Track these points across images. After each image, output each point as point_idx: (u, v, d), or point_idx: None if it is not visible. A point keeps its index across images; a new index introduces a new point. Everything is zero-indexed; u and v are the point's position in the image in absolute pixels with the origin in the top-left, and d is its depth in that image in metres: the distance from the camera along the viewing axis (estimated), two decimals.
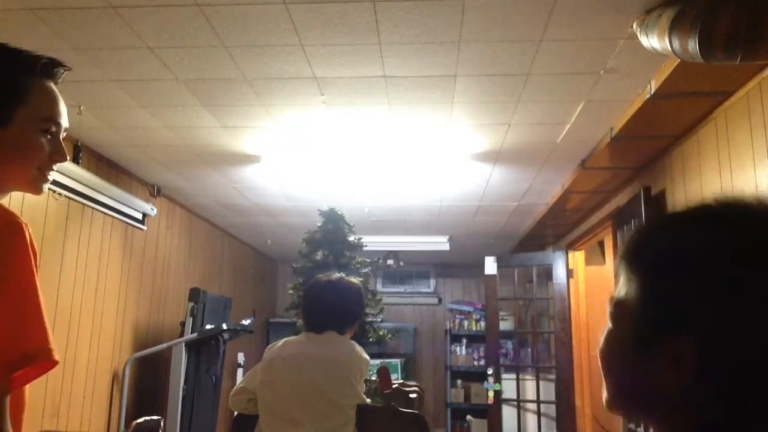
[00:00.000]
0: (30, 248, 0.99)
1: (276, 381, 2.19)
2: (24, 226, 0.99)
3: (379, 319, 4.41)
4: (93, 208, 3.66)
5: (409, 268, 7.53)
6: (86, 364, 3.63)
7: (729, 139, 2.56)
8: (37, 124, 1.08)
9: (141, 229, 4.24)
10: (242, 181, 4.27)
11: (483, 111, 2.99)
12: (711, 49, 1.83)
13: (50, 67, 1.11)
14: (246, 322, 4.64)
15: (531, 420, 5.50)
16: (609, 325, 0.65)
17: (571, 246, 5.38)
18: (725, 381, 0.56)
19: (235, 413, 2.36)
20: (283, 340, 2.34)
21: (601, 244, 5.40)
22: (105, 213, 3.79)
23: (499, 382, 5.45)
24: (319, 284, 2.37)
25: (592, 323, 5.36)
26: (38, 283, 0.99)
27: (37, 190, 1.12)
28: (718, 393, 0.56)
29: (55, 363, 0.98)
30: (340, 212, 4.37)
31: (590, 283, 5.41)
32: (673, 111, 2.74)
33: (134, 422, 2.67)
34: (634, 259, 0.64)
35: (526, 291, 5.93)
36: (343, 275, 2.44)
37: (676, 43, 1.89)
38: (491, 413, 5.50)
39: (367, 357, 2.28)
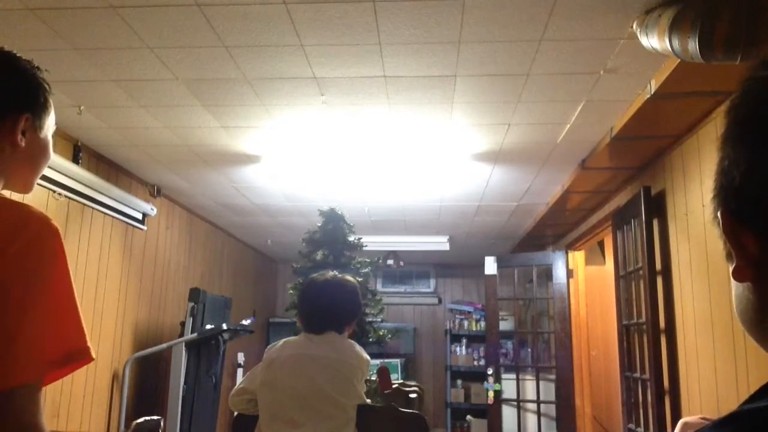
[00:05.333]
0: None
1: (276, 381, 2.19)
2: (59, 229, 1.07)
3: (379, 319, 4.41)
4: (93, 208, 3.66)
5: (409, 268, 7.53)
6: None
7: None
8: (51, 130, 1.22)
9: (141, 229, 4.24)
10: (242, 181, 4.27)
11: (483, 111, 2.99)
12: (711, 49, 1.83)
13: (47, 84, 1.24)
14: (246, 322, 4.64)
15: (531, 420, 5.50)
16: None
17: (571, 246, 5.38)
18: None
19: (235, 413, 2.36)
20: (283, 340, 2.34)
21: (601, 244, 5.40)
22: (105, 213, 3.79)
23: (499, 382, 5.45)
24: (315, 284, 2.37)
25: (592, 323, 5.36)
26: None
27: (31, 189, 1.23)
28: None
29: (92, 360, 1.05)
30: (340, 212, 4.37)
31: (590, 283, 5.41)
32: (673, 111, 2.74)
33: (134, 422, 2.67)
34: None
35: (526, 291, 5.93)
36: (338, 274, 2.42)
37: (676, 43, 1.89)
38: (491, 413, 5.50)
39: (368, 357, 2.28)
